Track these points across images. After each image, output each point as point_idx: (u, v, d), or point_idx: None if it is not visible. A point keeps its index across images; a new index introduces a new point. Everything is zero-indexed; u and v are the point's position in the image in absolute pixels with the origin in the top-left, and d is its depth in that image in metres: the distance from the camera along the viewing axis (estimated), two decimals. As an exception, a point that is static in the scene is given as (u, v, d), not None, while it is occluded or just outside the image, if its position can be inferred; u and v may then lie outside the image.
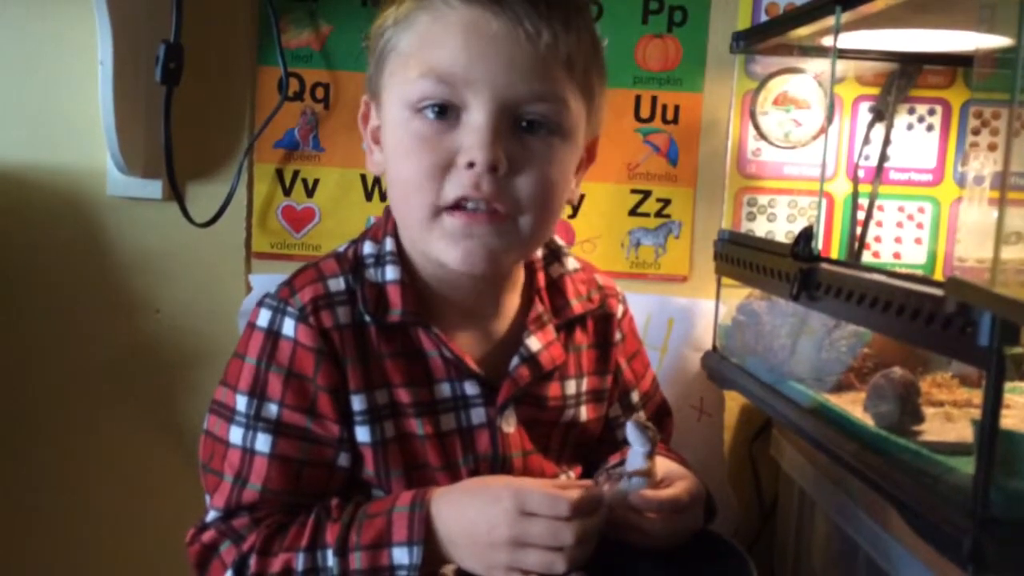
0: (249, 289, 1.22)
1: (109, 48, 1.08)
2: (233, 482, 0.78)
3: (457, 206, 0.76)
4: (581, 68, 0.78)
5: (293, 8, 1.19)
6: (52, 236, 1.21)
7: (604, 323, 0.93)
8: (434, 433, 0.81)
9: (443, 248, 0.77)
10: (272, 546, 0.76)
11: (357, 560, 0.73)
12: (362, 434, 0.79)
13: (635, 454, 0.78)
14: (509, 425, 0.83)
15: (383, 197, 1.23)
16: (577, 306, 0.90)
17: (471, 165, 0.74)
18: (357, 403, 0.79)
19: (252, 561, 0.75)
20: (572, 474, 0.90)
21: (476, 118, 0.75)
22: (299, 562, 0.74)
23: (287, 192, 1.23)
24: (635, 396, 0.96)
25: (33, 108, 1.19)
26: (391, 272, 0.81)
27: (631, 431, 0.78)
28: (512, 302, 0.87)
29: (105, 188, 1.20)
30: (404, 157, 0.77)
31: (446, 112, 0.75)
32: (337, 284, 0.81)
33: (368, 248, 0.84)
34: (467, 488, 0.76)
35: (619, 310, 0.95)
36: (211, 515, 0.80)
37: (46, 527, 1.25)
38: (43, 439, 1.23)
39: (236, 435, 0.79)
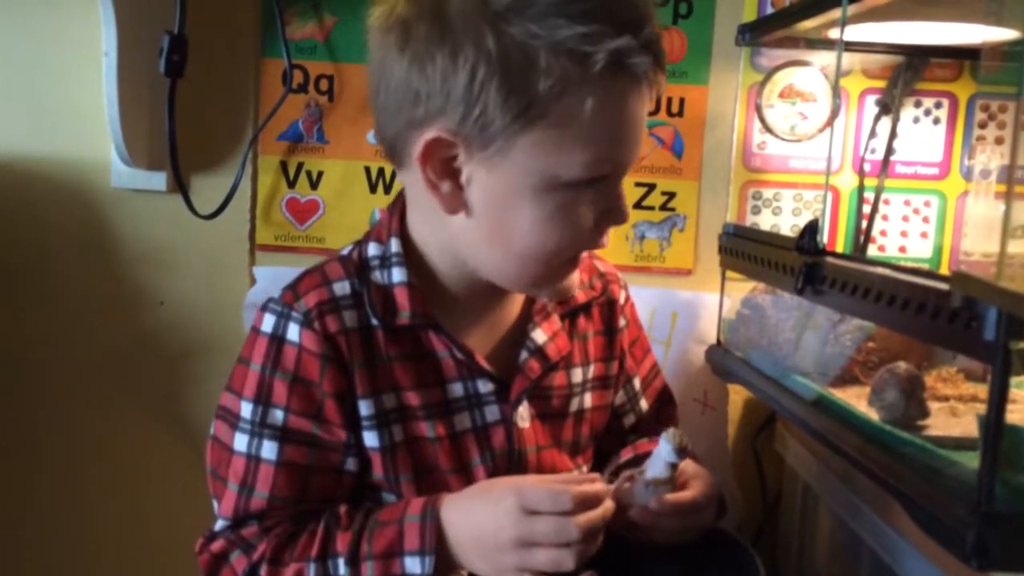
0: (253, 281, 1.22)
1: (113, 40, 1.08)
2: (239, 490, 0.78)
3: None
4: None
5: (297, 0, 1.19)
6: (56, 228, 1.21)
7: (608, 309, 0.93)
8: (446, 435, 0.80)
9: (549, 290, 0.82)
10: (283, 556, 0.75)
11: (369, 569, 0.73)
12: (370, 439, 0.78)
13: (660, 461, 0.77)
14: (524, 420, 0.83)
15: (387, 190, 1.22)
16: (580, 294, 0.90)
17: (608, 225, 0.78)
18: (364, 408, 0.78)
19: (263, 571, 0.75)
20: (585, 468, 0.90)
21: (616, 184, 0.77)
22: (311, 571, 0.74)
23: (291, 184, 1.23)
24: (637, 383, 0.97)
25: (38, 100, 1.19)
26: (398, 274, 0.80)
27: (665, 444, 0.76)
28: (519, 295, 0.87)
29: (109, 180, 1.20)
30: (542, 225, 0.74)
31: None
32: (342, 288, 0.80)
33: (373, 250, 0.82)
34: (473, 493, 0.76)
35: (621, 296, 0.95)
36: (219, 524, 0.79)
37: (50, 517, 1.25)
38: (47, 429, 1.24)
39: (241, 442, 0.78)
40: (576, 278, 0.82)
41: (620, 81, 0.72)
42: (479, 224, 0.76)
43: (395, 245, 0.81)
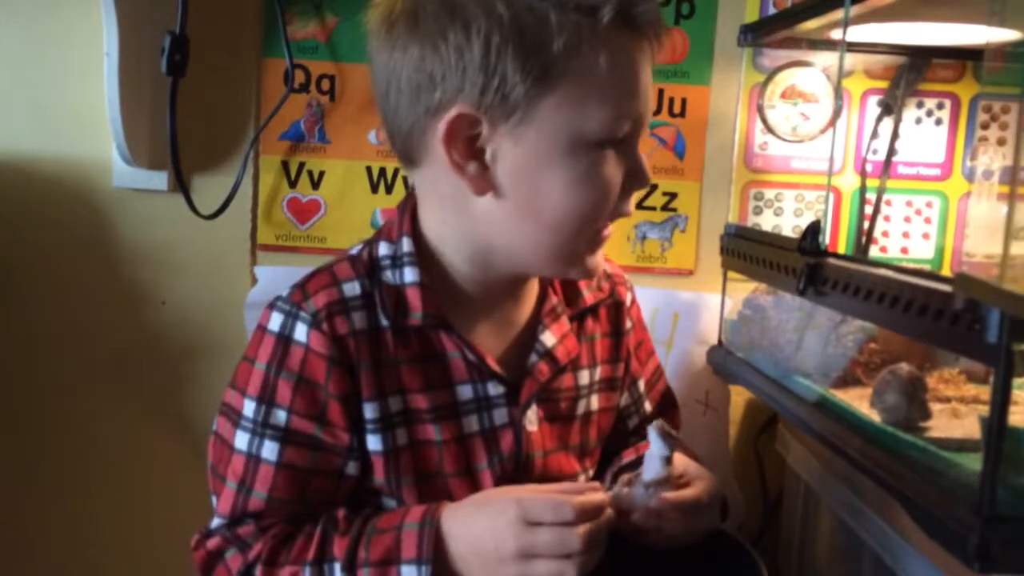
0: (254, 281, 1.22)
1: (115, 40, 1.08)
2: (238, 489, 0.77)
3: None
4: None
5: (299, 0, 1.19)
6: (58, 227, 1.21)
7: (615, 311, 0.93)
8: (452, 437, 0.80)
9: (580, 268, 0.80)
10: (278, 557, 0.75)
11: None
12: (373, 442, 0.78)
13: (654, 460, 0.77)
14: (532, 424, 0.83)
15: (388, 190, 1.22)
16: (589, 296, 0.90)
17: (632, 188, 0.78)
18: (369, 411, 0.78)
19: (258, 571, 0.75)
20: (591, 472, 0.90)
21: (635, 146, 0.77)
22: (306, 575, 0.74)
23: (292, 184, 1.23)
24: (641, 385, 0.97)
25: (39, 100, 1.19)
26: (410, 274, 0.79)
27: (653, 436, 0.77)
28: (530, 296, 0.87)
29: (111, 180, 1.20)
30: (571, 189, 0.74)
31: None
32: (352, 289, 0.79)
33: (383, 249, 0.81)
34: (475, 502, 0.75)
35: (628, 298, 0.95)
36: (216, 521, 0.79)
37: (50, 517, 1.25)
38: (48, 430, 1.24)
39: (242, 441, 0.78)
40: (602, 258, 0.82)
41: (627, 34, 0.73)
42: (508, 202, 0.76)
43: (407, 244, 0.80)
